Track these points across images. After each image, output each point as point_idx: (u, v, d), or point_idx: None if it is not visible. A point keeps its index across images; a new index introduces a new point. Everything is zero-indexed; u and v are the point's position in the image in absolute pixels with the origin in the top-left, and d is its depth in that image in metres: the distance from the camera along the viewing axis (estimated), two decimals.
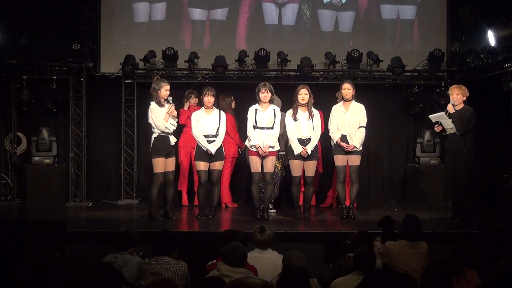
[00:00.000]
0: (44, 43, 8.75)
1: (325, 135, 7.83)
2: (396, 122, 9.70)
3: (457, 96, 7.15)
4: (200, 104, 8.06)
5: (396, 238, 5.22)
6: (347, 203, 7.62)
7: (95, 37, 9.20)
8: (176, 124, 7.41)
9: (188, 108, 8.52)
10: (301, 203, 7.62)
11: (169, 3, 9.40)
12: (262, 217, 7.37)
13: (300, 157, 7.29)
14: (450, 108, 7.17)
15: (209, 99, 7.43)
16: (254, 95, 7.48)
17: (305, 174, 7.49)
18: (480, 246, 4.77)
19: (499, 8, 8.31)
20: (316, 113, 7.43)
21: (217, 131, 7.44)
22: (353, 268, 4.27)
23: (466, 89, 7.26)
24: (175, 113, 7.31)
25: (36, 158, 8.98)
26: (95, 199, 9.22)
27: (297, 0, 9.42)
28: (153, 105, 7.28)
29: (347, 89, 7.50)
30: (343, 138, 7.46)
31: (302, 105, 7.35)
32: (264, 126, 7.35)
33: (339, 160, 7.52)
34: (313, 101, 7.44)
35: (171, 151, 7.38)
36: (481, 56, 8.36)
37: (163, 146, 7.27)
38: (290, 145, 7.39)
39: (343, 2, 9.44)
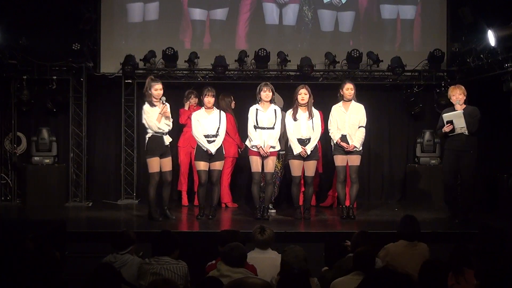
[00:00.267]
0: (44, 43, 8.75)
1: (325, 135, 7.84)
2: (396, 122, 9.70)
3: (460, 96, 7.17)
4: (200, 104, 8.06)
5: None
6: (347, 203, 7.62)
7: (95, 37, 9.20)
8: (171, 124, 7.36)
9: (188, 108, 8.52)
10: (301, 203, 7.62)
11: (169, 3, 9.40)
12: (262, 217, 7.37)
13: (300, 157, 7.29)
14: (459, 108, 7.14)
15: (209, 99, 7.43)
16: (254, 95, 7.48)
17: (305, 174, 7.49)
18: (480, 246, 4.76)
19: (499, 8, 8.31)
20: (316, 113, 7.43)
21: (217, 131, 7.43)
22: (353, 268, 4.27)
23: (464, 89, 7.28)
24: (168, 113, 7.26)
25: (36, 158, 8.97)
26: (95, 199, 9.22)
27: (297, 0, 9.42)
28: (145, 105, 7.33)
29: (350, 89, 7.50)
30: (343, 138, 7.46)
31: (302, 105, 7.35)
32: (265, 126, 7.35)
33: (339, 160, 7.52)
34: (313, 101, 7.44)
35: (166, 151, 7.35)
36: (481, 56, 8.36)
37: (157, 146, 7.27)
38: (290, 145, 7.39)
39: (343, 2, 9.44)
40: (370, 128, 8.28)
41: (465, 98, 7.22)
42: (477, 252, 4.32)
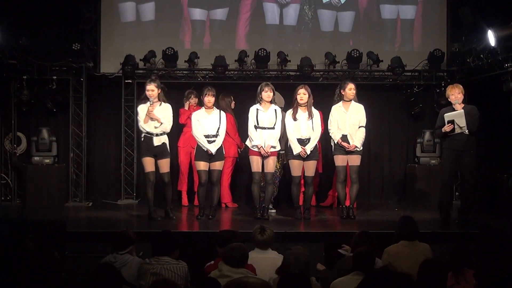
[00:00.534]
0: (44, 43, 8.75)
1: (325, 135, 7.84)
2: (396, 122, 9.70)
3: (458, 95, 7.10)
4: (200, 104, 8.06)
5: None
6: (347, 203, 7.62)
7: (95, 37, 9.20)
8: (163, 126, 7.23)
9: (188, 108, 8.52)
10: (301, 203, 7.62)
11: (169, 3, 9.40)
12: (262, 217, 7.37)
13: (299, 157, 7.29)
14: (459, 108, 7.08)
15: (209, 99, 7.42)
16: (254, 95, 7.47)
17: (305, 174, 7.49)
18: (480, 246, 4.76)
19: (499, 8, 8.31)
20: (316, 113, 7.43)
21: (217, 131, 7.43)
22: (353, 268, 4.27)
23: (462, 88, 7.24)
24: (154, 115, 7.18)
25: (36, 158, 8.97)
26: (95, 199, 9.22)
27: (298, 0, 9.42)
28: (139, 106, 7.35)
29: (352, 89, 7.51)
30: (344, 138, 7.46)
31: (301, 105, 7.35)
32: (265, 126, 7.34)
33: (340, 160, 7.52)
34: (313, 101, 7.44)
35: (162, 152, 7.29)
36: (481, 56, 8.36)
37: (147, 147, 7.27)
38: (289, 145, 7.39)
39: (342, 2, 9.44)
40: (370, 128, 8.29)
41: (463, 97, 7.17)
42: (477, 252, 4.33)
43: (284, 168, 8.12)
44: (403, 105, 9.55)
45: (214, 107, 7.54)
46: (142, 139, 7.35)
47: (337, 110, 7.54)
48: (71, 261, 5.96)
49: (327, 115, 7.62)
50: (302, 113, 7.36)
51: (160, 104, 7.28)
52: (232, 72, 9.17)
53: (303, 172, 7.49)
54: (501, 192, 8.00)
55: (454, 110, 7.12)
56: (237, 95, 8.67)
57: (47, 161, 9.00)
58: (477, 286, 3.56)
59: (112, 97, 9.37)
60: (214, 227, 7.03)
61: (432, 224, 7.14)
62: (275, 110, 7.41)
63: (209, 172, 7.42)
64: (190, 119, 7.65)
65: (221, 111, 7.62)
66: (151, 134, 7.25)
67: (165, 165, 7.33)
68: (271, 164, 7.41)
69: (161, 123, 7.22)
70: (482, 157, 8.96)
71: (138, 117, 7.36)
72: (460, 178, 7.48)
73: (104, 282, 3.61)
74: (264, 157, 7.37)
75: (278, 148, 7.46)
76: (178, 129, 8.55)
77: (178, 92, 8.84)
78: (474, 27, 8.63)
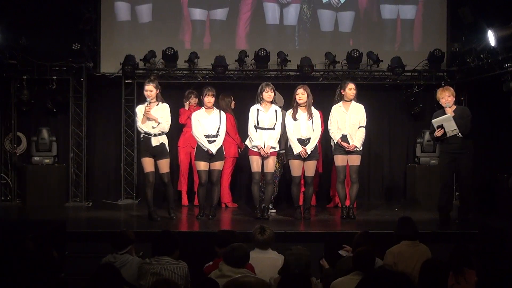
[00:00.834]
0: (44, 43, 8.76)
1: (325, 135, 7.84)
2: (396, 122, 9.70)
3: (449, 98, 6.98)
4: (200, 104, 8.05)
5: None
6: (347, 203, 7.62)
7: (95, 37, 9.21)
8: (161, 126, 7.20)
9: (188, 108, 8.52)
10: (301, 203, 7.62)
11: (169, 3, 9.40)
12: (262, 217, 7.37)
13: (300, 157, 7.29)
14: (449, 111, 6.98)
15: (209, 99, 7.42)
16: (254, 95, 7.47)
17: (305, 174, 7.49)
18: (480, 246, 4.77)
19: (499, 8, 8.32)
20: (316, 113, 7.42)
21: (218, 131, 7.42)
22: (353, 268, 4.27)
23: (453, 90, 7.16)
24: (151, 115, 7.17)
25: (36, 158, 8.97)
26: (95, 199, 9.22)
27: (298, 0, 9.43)
28: (138, 106, 7.36)
29: (353, 89, 7.51)
30: (344, 138, 7.46)
31: (300, 105, 7.35)
32: (265, 127, 7.34)
33: (340, 160, 7.52)
34: (312, 101, 7.43)
35: (161, 152, 7.26)
36: (481, 56, 8.36)
37: (146, 147, 7.27)
38: (290, 145, 7.39)
39: (342, 2, 9.44)
40: (370, 128, 8.28)
41: (454, 99, 7.07)
42: (477, 252, 4.33)
43: (284, 167, 8.12)
44: (403, 105, 9.55)
45: (214, 107, 7.54)
46: (141, 139, 7.36)
47: (337, 110, 7.54)
48: (71, 261, 5.96)
49: (327, 115, 7.62)
50: (302, 113, 7.36)
51: (158, 104, 7.28)
52: (232, 72, 9.17)
53: (303, 172, 7.49)
54: (501, 192, 7.99)
55: (445, 114, 7.03)
56: (237, 95, 8.67)
57: (47, 161, 9.00)
58: (477, 285, 3.56)
59: (112, 97, 9.37)
60: (214, 227, 7.03)
61: (432, 224, 7.13)
62: (276, 110, 7.41)
63: (209, 172, 7.42)
64: (190, 119, 7.64)
65: (221, 111, 7.61)
66: (149, 134, 7.24)
67: (164, 165, 7.32)
68: (271, 164, 7.41)
69: (159, 123, 7.21)
70: (482, 157, 8.99)
71: (136, 118, 7.36)
72: (458, 180, 7.41)
73: (105, 282, 3.61)
74: (264, 157, 7.37)
75: (278, 148, 7.46)
76: (178, 129, 8.55)
77: (178, 92, 8.84)
78: (474, 27, 8.63)
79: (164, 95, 7.46)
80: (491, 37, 7.66)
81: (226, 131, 7.70)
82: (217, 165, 7.43)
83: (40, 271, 3.79)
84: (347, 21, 9.48)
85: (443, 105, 7.03)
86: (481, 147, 9.10)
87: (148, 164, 7.27)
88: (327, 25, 9.48)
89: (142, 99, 7.42)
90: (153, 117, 7.18)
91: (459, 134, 6.94)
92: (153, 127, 7.22)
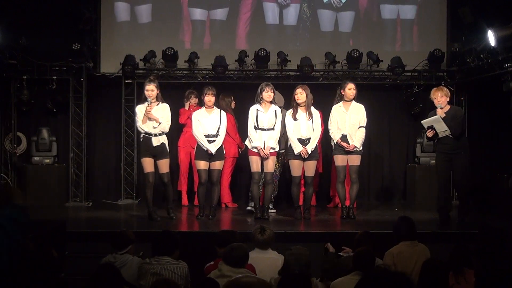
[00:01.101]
0: (44, 43, 8.76)
1: (325, 135, 7.84)
2: (396, 122, 9.70)
3: (441, 99, 6.96)
4: (201, 104, 8.05)
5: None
6: (347, 203, 7.62)
7: (95, 37, 9.21)
8: (162, 126, 7.20)
9: (189, 108, 8.52)
10: (301, 203, 7.62)
11: (169, 3, 9.40)
12: (262, 217, 7.37)
13: (300, 157, 7.29)
14: (440, 112, 6.95)
15: (209, 98, 7.41)
16: (254, 95, 7.46)
17: (305, 174, 7.48)
18: (480, 246, 4.76)
19: (499, 8, 8.32)
20: (316, 113, 7.41)
21: (218, 131, 7.41)
22: (353, 268, 4.27)
23: (447, 90, 7.16)
24: (152, 115, 7.16)
25: (36, 158, 8.98)
26: (95, 199, 9.22)
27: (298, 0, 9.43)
28: (138, 106, 7.35)
29: (352, 89, 7.51)
30: (344, 138, 7.46)
31: (300, 104, 7.34)
32: (265, 127, 7.34)
33: (340, 160, 7.52)
34: (312, 101, 7.43)
35: (161, 152, 7.26)
36: (481, 56, 8.35)
37: (146, 147, 7.26)
38: (290, 144, 7.38)
39: (343, 2, 9.44)
40: (370, 128, 8.28)
41: (448, 99, 7.04)
42: (477, 252, 4.32)
43: (284, 167, 8.12)
44: (403, 105, 9.55)
45: (215, 107, 7.54)
46: (141, 139, 7.35)
47: (337, 110, 7.54)
48: (71, 261, 5.97)
49: (327, 115, 7.62)
50: (302, 113, 7.36)
51: (158, 104, 7.28)
52: (232, 72, 9.17)
53: (303, 172, 7.49)
54: (501, 192, 7.99)
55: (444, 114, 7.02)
56: (237, 95, 8.66)
57: (47, 161, 9.00)
58: (477, 285, 3.56)
59: (112, 97, 9.37)
60: (214, 227, 7.03)
61: (432, 224, 7.13)
62: (275, 110, 7.40)
63: (209, 171, 7.41)
64: (190, 119, 7.64)
65: (222, 111, 7.61)
66: (150, 134, 7.23)
67: (164, 165, 7.31)
68: (271, 164, 7.40)
69: (160, 123, 7.21)
70: (482, 157, 8.99)
71: (136, 118, 7.35)
72: (454, 179, 7.37)
73: (105, 282, 3.61)
74: (263, 158, 7.36)
75: (278, 148, 7.46)
76: (178, 129, 8.55)
77: (178, 92, 8.84)
78: (474, 27, 8.63)
79: (164, 95, 7.46)
80: (491, 37, 7.66)
81: (226, 131, 7.70)
82: (217, 164, 7.43)
83: (40, 271, 3.79)
84: (347, 21, 9.48)
85: (436, 105, 7.04)
86: (481, 147, 9.12)
87: (148, 164, 7.26)
88: (327, 25, 9.48)
89: (142, 99, 7.41)
90: (154, 117, 7.18)
91: (450, 135, 6.93)
92: (154, 127, 7.21)
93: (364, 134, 7.55)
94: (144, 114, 7.18)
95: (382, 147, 9.69)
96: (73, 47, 8.64)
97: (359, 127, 7.49)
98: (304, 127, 7.31)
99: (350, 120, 7.46)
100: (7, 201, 4.50)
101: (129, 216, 8.18)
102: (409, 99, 9.38)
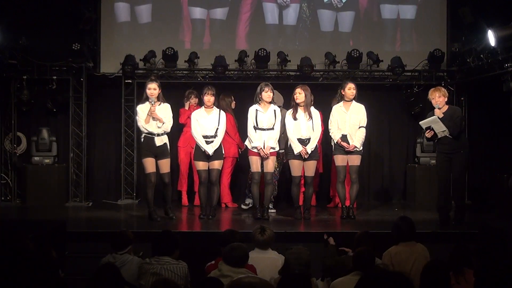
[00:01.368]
0: (44, 43, 8.76)
1: (325, 135, 7.84)
2: (396, 122, 9.70)
3: (439, 99, 6.97)
4: (201, 104, 8.04)
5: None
6: (347, 203, 7.62)
7: (95, 37, 9.21)
8: (165, 126, 7.21)
9: (189, 108, 8.52)
10: (301, 203, 7.62)
11: (169, 3, 9.40)
12: (262, 217, 7.37)
13: (300, 157, 7.29)
14: (438, 113, 6.95)
15: (209, 98, 7.41)
16: (254, 95, 7.46)
17: (305, 174, 7.48)
18: (480, 246, 4.76)
19: (499, 8, 8.32)
20: (315, 113, 7.41)
21: (216, 132, 7.40)
22: (353, 268, 4.27)
23: (445, 90, 7.14)
24: (156, 114, 7.15)
25: (36, 158, 8.98)
26: (95, 199, 9.22)
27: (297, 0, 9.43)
28: (139, 105, 7.33)
29: (352, 89, 7.50)
30: (344, 138, 7.46)
31: (299, 104, 7.34)
32: (265, 127, 7.33)
33: (340, 160, 7.52)
34: (312, 101, 7.42)
35: (162, 152, 7.25)
36: (481, 56, 8.35)
37: (148, 148, 7.23)
38: (290, 144, 7.38)
39: (343, 2, 9.44)
40: (370, 128, 8.28)
41: (446, 99, 7.04)
42: (477, 252, 4.32)
43: (284, 167, 8.11)
44: (403, 105, 9.55)
45: (214, 107, 7.53)
46: (142, 139, 7.33)
47: (337, 110, 7.54)
48: (71, 261, 5.96)
49: (327, 115, 7.62)
50: (302, 113, 7.36)
51: (160, 104, 7.28)
52: (232, 72, 9.17)
53: (303, 172, 7.49)
54: (501, 192, 7.99)
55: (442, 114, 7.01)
56: (237, 95, 8.66)
57: (47, 161, 9.00)
58: (476, 285, 3.56)
59: (112, 97, 9.36)
60: (214, 227, 7.04)
61: (432, 224, 7.13)
62: (274, 110, 7.40)
63: (208, 171, 7.41)
64: (190, 118, 7.64)
65: (221, 111, 7.60)
66: (153, 134, 7.23)
67: (165, 165, 7.31)
68: (270, 164, 7.40)
69: (163, 123, 7.21)
70: (482, 157, 8.99)
71: (137, 117, 7.32)
72: (452, 178, 7.35)
73: (105, 282, 3.61)
74: (263, 158, 7.36)
75: (277, 148, 7.46)
76: (178, 129, 8.54)
77: (178, 92, 8.84)
78: (474, 27, 8.63)
79: (164, 95, 7.45)
80: (491, 37, 7.65)
81: (226, 131, 7.70)
82: (216, 164, 7.42)
83: (40, 271, 3.79)
84: (347, 21, 9.48)
85: (434, 105, 7.04)
86: (481, 147, 9.13)
87: (150, 164, 7.25)
88: (327, 25, 9.48)
89: (142, 99, 7.41)
90: (158, 117, 7.18)
91: (449, 135, 6.93)
92: (158, 127, 7.21)
93: (364, 134, 7.55)
94: (148, 114, 7.16)
95: (382, 147, 9.69)
96: (73, 47, 8.64)
97: (359, 127, 7.49)
98: (304, 127, 7.31)
99: (350, 120, 7.46)
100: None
101: (129, 216, 8.18)
102: (409, 99, 9.38)
